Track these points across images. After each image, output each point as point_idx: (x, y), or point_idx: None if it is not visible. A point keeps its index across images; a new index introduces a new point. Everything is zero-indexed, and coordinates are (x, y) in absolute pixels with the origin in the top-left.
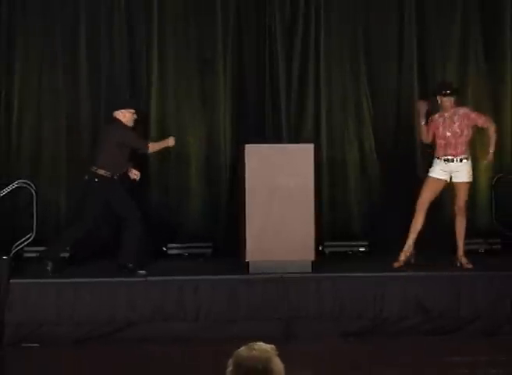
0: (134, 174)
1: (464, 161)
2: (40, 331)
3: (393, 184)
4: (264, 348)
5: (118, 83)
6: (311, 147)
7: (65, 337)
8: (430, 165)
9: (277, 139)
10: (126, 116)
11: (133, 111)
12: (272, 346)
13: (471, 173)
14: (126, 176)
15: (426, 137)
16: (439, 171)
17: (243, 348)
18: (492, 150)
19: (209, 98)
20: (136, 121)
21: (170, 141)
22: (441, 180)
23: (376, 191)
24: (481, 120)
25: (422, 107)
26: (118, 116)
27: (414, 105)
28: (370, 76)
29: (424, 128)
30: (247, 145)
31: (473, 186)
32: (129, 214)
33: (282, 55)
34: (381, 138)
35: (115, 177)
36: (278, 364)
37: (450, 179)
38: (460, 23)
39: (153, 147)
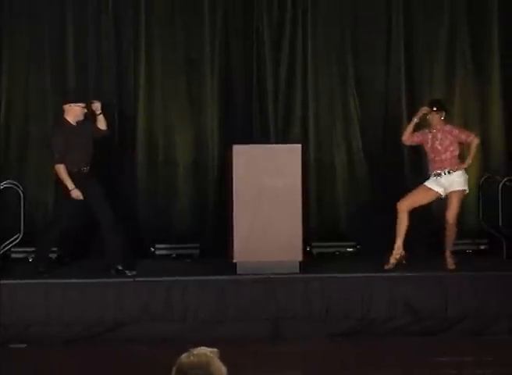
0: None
1: (452, 172)
2: (29, 332)
3: (381, 185)
4: (203, 352)
5: (105, 85)
6: (298, 147)
7: (54, 338)
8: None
9: (265, 141)
10: (74, 109)
11: (82, 105)
12: (213, 350)
13: (464, 182)
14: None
15: (406, 138)
16: (432, 183)
17: (183, 355)
18: (469, 162)
19: (197, 99)
20: (86, 114)
21: (73, 193)
22: (432, 190)
23: (364, 191)
24: (464, 135)
25: (423, 110)
26: (65, 112)
27: (401, 107)
28: (357, 79)
29: (410, 128)
30: (234, 146)
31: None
32: (99, 211)
33: (270, 58)
34: (368, 140)
35: (84, 171)
36: (218, 367)
37: (445, 193)
38: (448, 25)
39: (59, 170)
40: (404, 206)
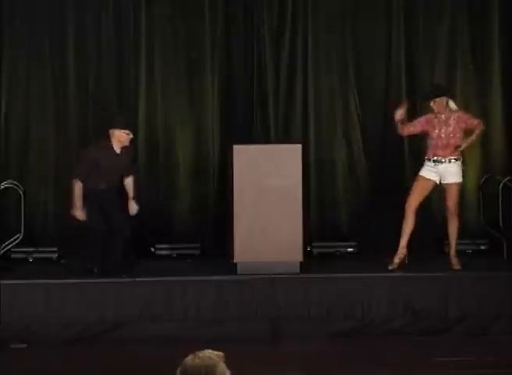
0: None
1: (453, 161)
2: (29, 332)
3: (381, 185)
4: (208, 355)
5: (106, 84)
6: (298, 147)
7: (54, 338)
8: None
9: (265, 140)
10: (120, 135)
11: (127, 132)
12: (219, 353)
13: (460, 173)
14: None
15: (402, 131)
16: (429, 171)
17: (189, 357)
18: (465, 145)
19: (197, 98)
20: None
21: (77, 213)
22: (430, 180)
23: (364, 191)
24: (473, 120)
25: (404, 105)
26: (110, 136)
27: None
28: (358, 77)
29: (399, 123)
30: (234, 146)
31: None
32: (116, 223)
33: (270, 56)
34: (369, 139)
35: (101, 188)
36: (222, 370)
37: (440, 181)
38: (448, 24)
39: (75, 186)
40: (414, 207)
